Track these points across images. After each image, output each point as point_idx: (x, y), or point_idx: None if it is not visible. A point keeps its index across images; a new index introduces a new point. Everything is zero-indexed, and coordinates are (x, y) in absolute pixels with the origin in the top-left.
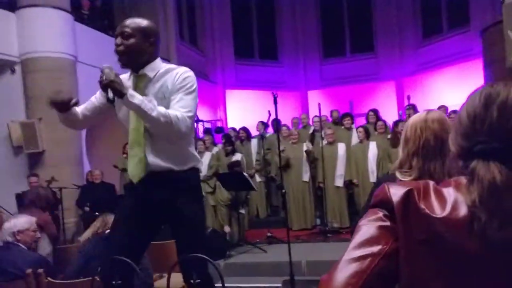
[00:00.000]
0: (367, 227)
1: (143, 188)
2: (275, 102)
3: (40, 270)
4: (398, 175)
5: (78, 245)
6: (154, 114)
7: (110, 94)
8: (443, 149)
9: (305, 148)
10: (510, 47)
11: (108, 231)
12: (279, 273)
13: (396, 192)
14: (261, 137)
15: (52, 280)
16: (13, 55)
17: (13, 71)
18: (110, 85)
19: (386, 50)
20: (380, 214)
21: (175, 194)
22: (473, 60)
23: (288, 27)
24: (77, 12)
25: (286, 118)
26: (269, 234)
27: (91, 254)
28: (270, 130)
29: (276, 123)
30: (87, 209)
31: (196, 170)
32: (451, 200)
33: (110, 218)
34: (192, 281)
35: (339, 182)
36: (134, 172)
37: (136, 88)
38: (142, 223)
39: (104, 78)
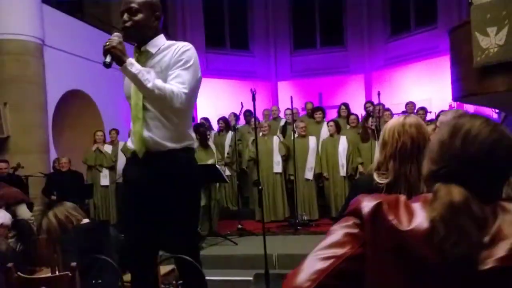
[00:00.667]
0: (337, 232)
1: (142, 165)
2: (254, 99)
3: (10, 265)
4: (375, 176)
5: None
6: (149, 85)
7: (108, 59)
8: (419, 153)
9: (275, 140)
10: (477, 49)
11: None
12: (250, 266)
13: (367, 204)
14: (234, 129)
15: (22, 274)
16: None
17: None
18: (111, 51)
19: (356, 44)
20: (351, 222)
21: (168, 172)
22: (440, 57)
23: (259, 17)
24: None
25: (256, 108)
26: (239, 226)
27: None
28: (242, 121)
29: (255, 119)
30: (54, 197)
31: (190, 150)
32: (418, 214)
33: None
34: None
35: (309, 175)
36: (137, 147)
37: (138, 62)
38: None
39: (108, 43)
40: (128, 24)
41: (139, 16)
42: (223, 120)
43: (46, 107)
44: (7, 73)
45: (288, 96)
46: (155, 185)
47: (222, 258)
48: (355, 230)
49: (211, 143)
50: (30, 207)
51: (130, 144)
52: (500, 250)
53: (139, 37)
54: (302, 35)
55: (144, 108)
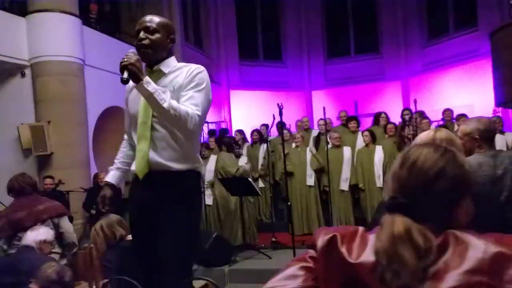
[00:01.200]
0: (293, 265)
1: (144, 186)
2: (281, 114)
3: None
4: None
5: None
6: (165, 105)
7: (126, 75)
8: None
9: (308, 152)
10: None
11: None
12: None
13: (323, 237)
14: (266, 140)
15: None
16: (23, 58)
17: (23, 74)
18: (129, 67)
19: (392, 50)
20: (307, 255)
21: (168, 194)
22: (480, 60)
23: (292, 27)
24: (85, 16)
25: (290, 119)
26: (273, 239)
27: (118, 267)
28: (274, 133)
29: (282, 132)
30: (93, 212)
31: (196, 173)
32: (370, 246)
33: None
34: None
35: (345, 186)
36: (139, 167)
37: None
38: (148, 225)
39: (125, 59)
40: (145, 42)
41: (156, 36)
42: (257, 131)
43: (86, 123)
44: (50, 93)
45: (322, 106)
46: (155, 208)
47: (256, 272)
48: (310, 264)
49: (244, 155)
50: (71, 221)
51: (133, 167)
52: (446, 283)
53: (153, 57)
54: (335, 43)
55: (152, 128)
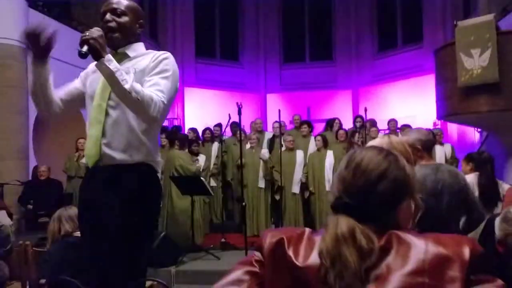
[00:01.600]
0: (237, 269)
1: (92, 179)
2: (239, 113)
3: None
4: None
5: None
6: (126, 86)
7: (85, 49)
8: None
9: (261, 155)
10: (461, 69)
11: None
12: None
13: (270, 240)
14: (220, 140)
15: None
16: None
17: None
18: (90, 43)
19: (344, 60)
20: (253, 258)
21: (116, 189)
22: (425, 75)
23: (250, 29)
24: None
25: (244, 120)
26: (223, 240)
27: (58, 263)
28: (228, 133)
29: (240, 133)
30: (30, 207)
31: (148, 166)
32: (317, 248)
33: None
34: None
35: (296, 189)
36: (90, 153)
37: None
38: (96, 222)
39: (87, 33)
40: (112, 24)
41: (124, 19)
42: (208, 130)
43: (27, 112)
44: None
45: (276, 109)
46: (103, 205)
47: (203, 273)
48: (255, 268)
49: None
50: (11, 217)
51: (84, 158)
52: (389, 285)
53: (121, 42)
54: (292, 48)
55: (106, 113)
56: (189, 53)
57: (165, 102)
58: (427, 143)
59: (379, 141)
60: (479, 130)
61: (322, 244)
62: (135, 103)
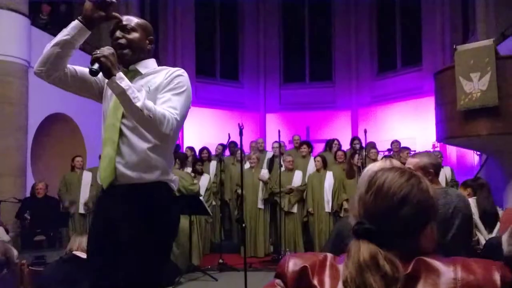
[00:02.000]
0: None
1: (108, 200)
2: (241, 134)
3: None
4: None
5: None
6: (138, 104)
7: (96, 66)
8: None
9: (261, 176)
10: (461, 92)
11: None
12: None
13: (293, 268)
14: (219, 159)
15: None
16: None
17: None
18: (101, 59)
19: (344, 80)
20: (276, 286)
21: (131, 210)
22: (424, 97)
23: (250, 49)
24: (35, 17)
25: (244, 139)
26: (221, 260)
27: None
28: (227, 152)
29: (241, 153)
30: (27, 217)
31: (164, 185)
32: (341, 276)
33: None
34: None
35: (294, 209)
36: (103, 174)
37: None
38: (109, 244)
39: (98, 51)
40: (122, 41)
41: (134, 35)
42: (206, 149)
43: (27, 129)
44: None
45: (276, 128)
46: (117, 227)
47: None
48: None
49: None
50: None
51: (98, 177)
52: None
53: (131, 58)
54: (291, 68)
55: (121, 132)
56: (189, 72)
57: (178, 118)
58: (437, 167)
59: (380, 164)
60: (478, 153)
61: (346, 272)
62: (147, 121)
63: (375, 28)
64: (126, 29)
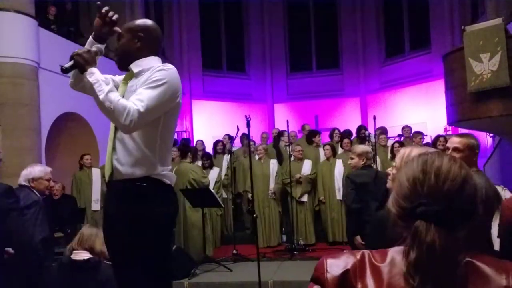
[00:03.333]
0: None
1: (108, 193)
2: (248, 126)
3: None
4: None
5: None
6: (101, 96)
7: (67, 64)
8: None
9: (271, 165)
10: (471, 74)
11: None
12: None
13: (333, 273)
14: (229, 151)
15: None
16: None
17: None
18: (74, 58)
19: (351, 68)
20: None
21: (120, 205)
22: (434, 81)
23: (256, 40)
24: (42, 17)
25: (252, 130)
26: (235, 251)
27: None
28: (237, 144)
29: (249, 144)
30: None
31: (154, 180)
32: (386, 277)
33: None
34: None
35: (304, 198)
36: (106, 168)
37: (124, 80)
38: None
39: (74, 51)
40: (115, 52)
41: (122, 41)
42: (221, 142)
43: (40, 129)
44: (1, 96)
45: (284, 119)
46: (112, 216)
47: (216, 285)
48: None
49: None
50: None
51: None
52: None
53: (124, 62)
54: (298, 58)
55: (116, 129)
56: (196, 66)
57: (142, 110)
58: (479, 149)
59: (419, 149)
60: (491, 135)
61: (412, 257)
62: (108, 112)
63: (381, 12)
64: (118, 38)
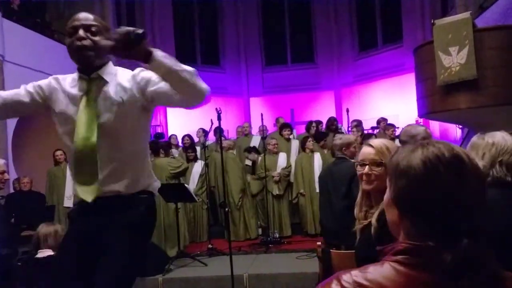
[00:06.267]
0: None
1: (90, 211)
2: (219, 118)
3: None
4: None
5: None
6: (184, 68)
7: (140, 31)
8: None
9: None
10: (440, 67)
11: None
12: None
13: None
14: (203, 145)
15: None
16: None
17: None
18: (139, 38)
19: (326, 61)
20: None
21: (111, 223)
22: (406, 74)
23: (230, 33)
24: (5, 8)
25: (228, 124)
26: (210, 246)
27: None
28: (211, 138)
29: (220, 137)
30: (12, 220)
31: (149, 195)
32: None
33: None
34: None
35: (276, 191)
36: (84, 195)
37: (88, 92)
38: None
39: (129, 31)
40: (87, 43)
41: (99, 38)
42: (188, 136)
43: (5, 124)
44: None
45: (260, 112)
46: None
47: (190, 280)
48: None
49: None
50: None
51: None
52: None
53: (94, 61)
54: (273, 51)
55: (99, 143)
56: None
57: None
58: None
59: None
60: (460, 126)
61: None
62: (193, 88)
63: (354, 6)
64: (90, 30)
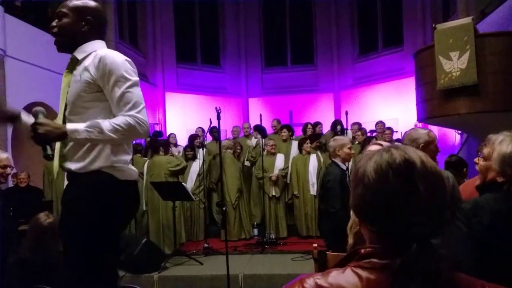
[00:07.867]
0: None
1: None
2: (218, 118)
3: None
4: None
5: None
6: (107, 134)
7: (49, 151)
8: None
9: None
10: (441, 72)
11: None
12: (215, 287)
13: None
14: (201, 144)
15: None
16: None
17: None
18: (38, 138)
19: (326, 63)
20: None
21: (67, 200)
22: (406, 78)
23: (231, 34)
24: (8, 3)
25: (226, 124)
26: (206, 245)
27: None
28: (208, 137)
29: (219, 136)
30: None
31: (104, 175)
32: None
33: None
34: None
35: (273, 191)
36: (54, 165)
37: (66, 72)
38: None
39: (38, 130)
40: (54, 30)
41: (64, 20)
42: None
43: None
44: None
45: (258, 113)
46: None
47: (186, 278)
48: None
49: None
50: None
51: None
52: None
53: (67, 44)
54: (273, 52)
55: (64, 121)
56: (169, 58)
57: (141, 108)
58: None
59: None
60: (459, 132)
61: None
62: (124, 138)
63: (355, 10)
64: (58, 15)
